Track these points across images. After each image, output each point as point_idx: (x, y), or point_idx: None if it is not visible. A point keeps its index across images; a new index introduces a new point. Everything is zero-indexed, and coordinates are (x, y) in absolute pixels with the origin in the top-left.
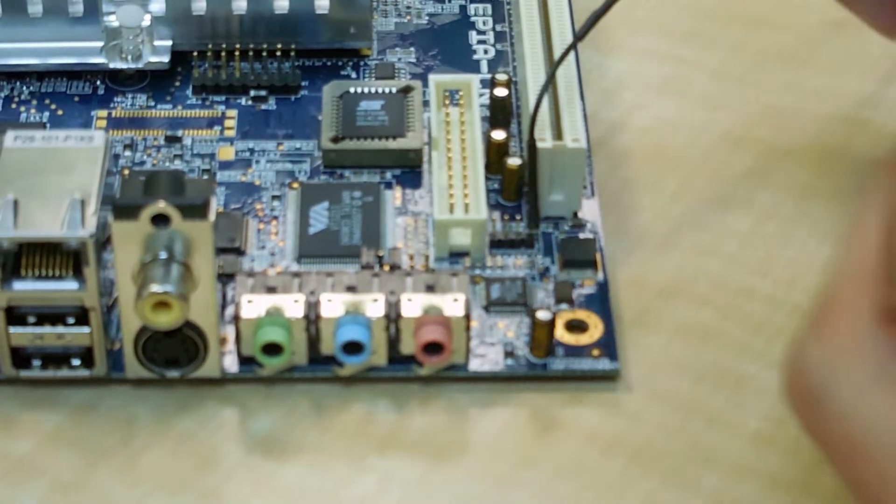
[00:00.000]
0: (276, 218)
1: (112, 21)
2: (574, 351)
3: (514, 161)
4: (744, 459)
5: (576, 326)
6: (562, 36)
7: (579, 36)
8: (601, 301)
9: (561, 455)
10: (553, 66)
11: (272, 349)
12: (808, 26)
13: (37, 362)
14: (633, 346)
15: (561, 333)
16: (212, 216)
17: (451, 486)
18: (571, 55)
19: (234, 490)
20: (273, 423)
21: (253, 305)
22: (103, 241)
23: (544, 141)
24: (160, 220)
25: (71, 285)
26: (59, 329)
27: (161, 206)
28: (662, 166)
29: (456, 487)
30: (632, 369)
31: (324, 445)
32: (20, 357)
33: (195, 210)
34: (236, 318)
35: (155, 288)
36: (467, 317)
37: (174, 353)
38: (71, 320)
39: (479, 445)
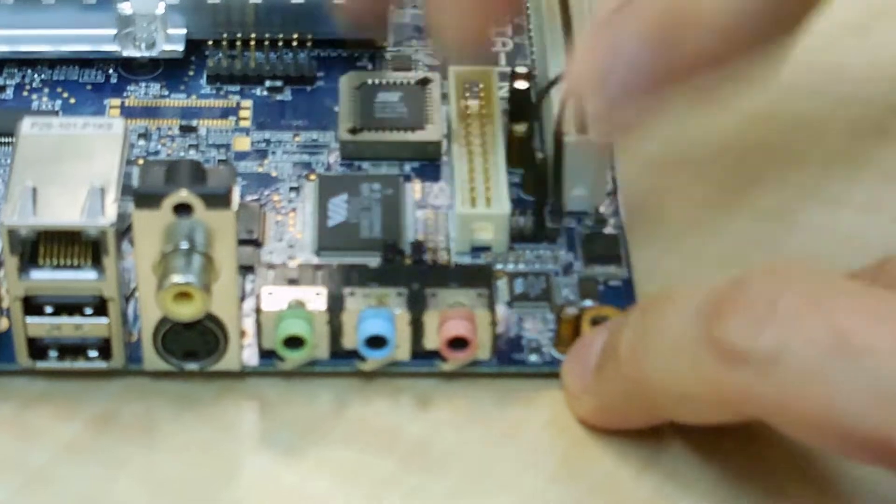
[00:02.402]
0: (294, 210)
1: (126, 8)
2: None
3: (538, 155)
4: (780, 484)
5: (601, 322)
6: (582, 26)
7: None
8: (626, 297)
9: (588, 464)
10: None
11: (294, 342)
12: (832, 33)
13: (53, 353)
14: None
15: (586, 330)
16: (235, 205)
17: (471, 483)
18: None
19: (252, 479)
20: (294, 417)
21: (274, 298)
22: (123, 230)
23: (569, 134)
24: (182, 209)
25: (90, 275)
26: (77, 320)
27: (183, 194)
28: (690, 174)
29: (477, 484)
30: None
31: (343, 439)
32: (37, 348)
33: (218, 199)
34: (257, 311)
35: (177, 279)
36: (492, 312)
37: (194, 345)
38: (89, 311)
39: (501, 443)
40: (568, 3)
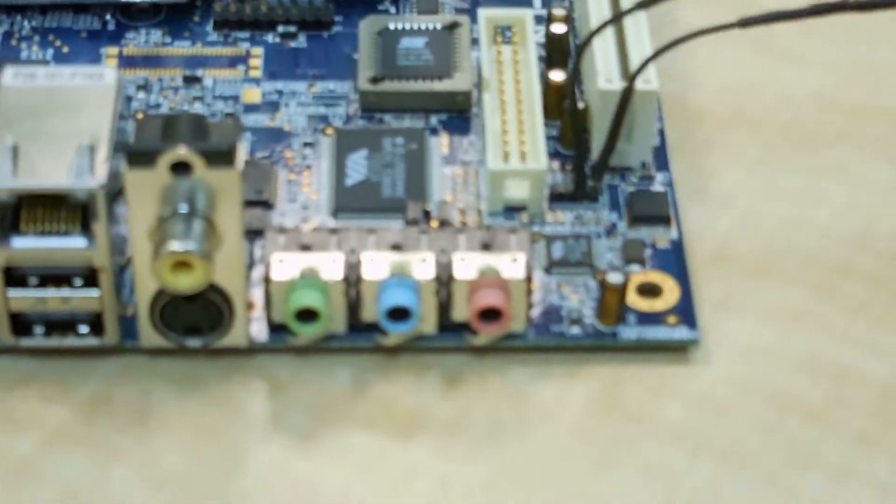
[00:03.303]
0: (308, 167)
1: None
2: (647, 318)
3: (579, 104)
4: (848, 462)
5: (648, 290)
6: None
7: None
8: (676, 261)
9: (636, 449)
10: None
11: (307, 315)
12: None
13: (39, 329)
14: (716, 332)
15: (632, 298)
16: (240, 164)
17: (507, 473)
18: None
19: (261, 470)
20: (308, 399)
21: (285, 266)
22: (115, 192)
23: (610, 82)
24: (180, 167)
25: (78, 242)
26: (65, 292)
27: (182, 151)
28: (743, 129)
29: (514, 473)
30: (717, 356)
31: (364, 422)
32: (20, 323)
33: (221, 156)
34: (266, 281)
35: (175, 246)
36: (528, 279)
37: (195, 319)
38: (78, 282)
39: (539, 425)
40: None
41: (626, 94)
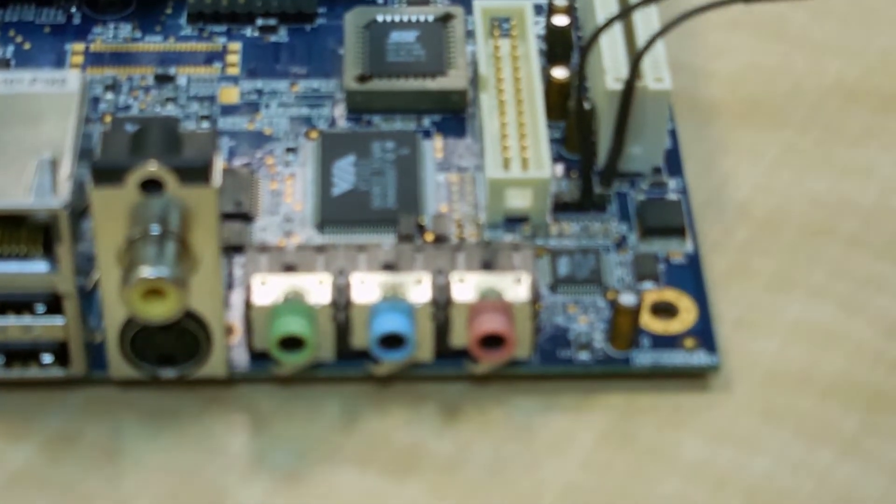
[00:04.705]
0: (291, 175)
1: None
2: (663, 342)
3: (585, 104)
4: (887, 500)
5: (663, 310)
6: None
7: None
8: (692, 277)
9: (652, 488)
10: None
11: (292, 343)
12: None
13: None
14: (739, 352)
15: (646, 319)
16: (216, 180)
17: None
18: None
19: None
20: (293, 434)
21: (267, 288)
22: (81, 207)
23: (619, 82)
24: (152, 185)
25: (40, 267)
26: (26, 320)
27: (152, 168)
28: (760, 125)
29: None
30: (739, 382)
31: (355, 460)
32: None
33: (195, 173)
34: (247, 305)
35: (146, 272)
36: (534, 302)
37: (170, 348)
38: (41, 309)
39: (547, 461)
40: None
41: (629, 90)
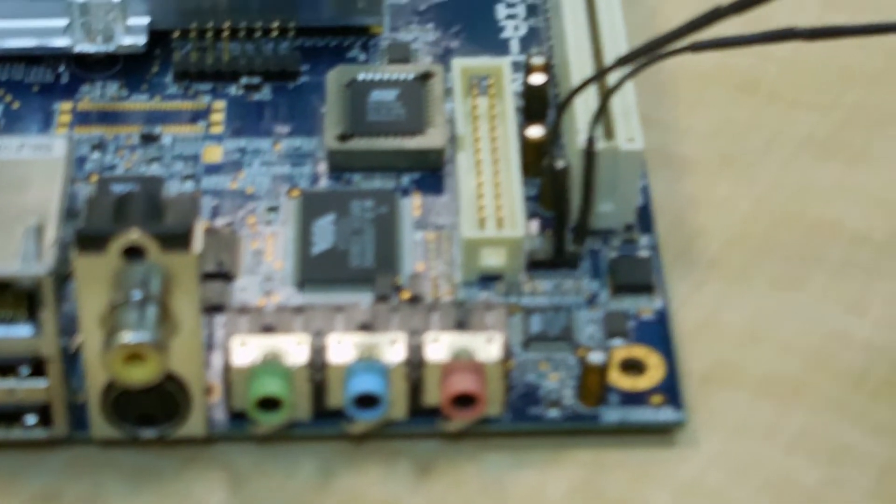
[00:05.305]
0: (273, 234)
1: None
2: (631, 398)
3: (559, 163)
4: None
5: (632, 367)
6: (609, 9)
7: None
8: (661, 333)
9: None
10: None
11: (269, 403)
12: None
13: None
14: (706, 407)
15: (615, 376)
16: (197, 246)
17: None
18: (622, 34)
19: None
20: (271, 491)
21: (246, 350)
22: (65, 271)
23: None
24: (133, 252)
25: (24, 331)
26: (10, 383)
27: (134, 235)
28: (733, 180)
29: None
30: (706, 437)
31: None
32: None
33: (176, 239)
34: (226, 367)
35: (127, 338)
36: (505, 361)
37: (150, 408)
38: (24, 372)
39: None
40: None
41: (590, 150)
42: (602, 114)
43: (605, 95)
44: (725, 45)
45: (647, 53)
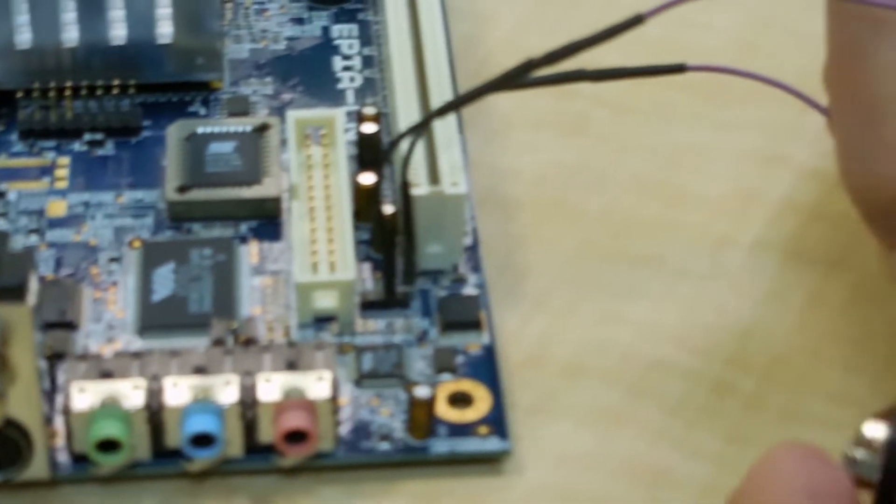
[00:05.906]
0: (114, 284)
1: None
2: (459, 430)
3: (387, 209)
4: None
5: (460, 400)
6: (436, 60)
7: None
8: (488, 367)
9: None
10: (429, 114)
11: (109, 445)
12: (718, 49)
13: None
14: (531, 437)
15: (443, 409)
16: (31, 299)
17: None
18: (448, 83)
19: None
20: None
21: (85, 395)
22: None
23: (419, 186)
24: None
25: None
26: None
27: None
28: (560, 220)
29: None
30: (531, 466)
31: None
32: None
33: (10, 292)
34: (66, 412)
35: None
36: (334, 399)
37: None
38: None
39: None
40: (420, 31)
41: (405, 194)
42: (409, 159)
43: (413, 142)
44: (524, 86)
45: (461, 103)
